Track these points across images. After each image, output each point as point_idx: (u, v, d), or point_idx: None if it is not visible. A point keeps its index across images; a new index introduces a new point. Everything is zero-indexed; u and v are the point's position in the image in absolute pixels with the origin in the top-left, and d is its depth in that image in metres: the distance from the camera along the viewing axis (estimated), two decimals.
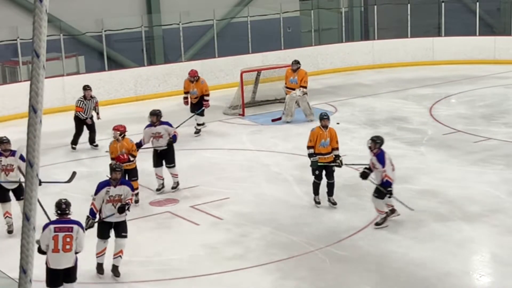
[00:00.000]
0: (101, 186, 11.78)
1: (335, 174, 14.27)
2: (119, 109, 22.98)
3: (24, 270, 3.90)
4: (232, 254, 12.25)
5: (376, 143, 13.28)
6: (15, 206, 13.41)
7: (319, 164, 14.03)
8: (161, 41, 27.05)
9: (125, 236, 11.66)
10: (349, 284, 11.27)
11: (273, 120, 20.67)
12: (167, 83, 24.97)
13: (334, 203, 14.17)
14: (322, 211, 14.05)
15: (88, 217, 11.56)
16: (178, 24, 25.95)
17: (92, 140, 18.97)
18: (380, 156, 13.19)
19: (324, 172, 14.18)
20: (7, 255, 11.37)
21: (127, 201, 11.60)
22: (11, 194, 13.52)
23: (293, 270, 11.67)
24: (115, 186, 11.67)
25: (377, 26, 29.09)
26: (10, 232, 13.41)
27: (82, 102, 18.60)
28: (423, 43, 28.41)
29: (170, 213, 14.21)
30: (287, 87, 20.83)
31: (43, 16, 3.70)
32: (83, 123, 18.76)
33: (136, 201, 14.42)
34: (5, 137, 13.76)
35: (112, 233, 11.67)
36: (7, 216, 13.46)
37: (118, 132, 14.34)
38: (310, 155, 14.10)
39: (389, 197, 13.14)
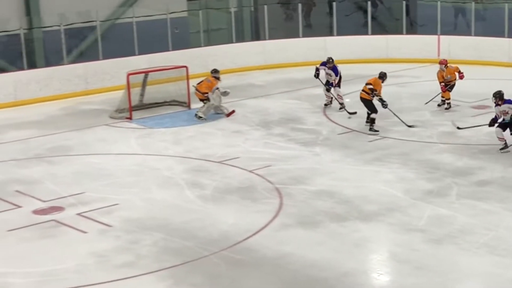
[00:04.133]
0: None
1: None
2: None
3: None
4: (122, 262, 12.06)
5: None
6: None
7: None
8: (42, 43, 26.52)
9: None
10: None
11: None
12: (48, 87, 24.50)
13: None
14: (215, 215, 14.02)
15: None
16: (59, 25, 25.51)
17: None
18: None
19: None
20: None
21: None
22: None
23: (187, 276, 11.58)
24: None
25: (268, 26, 29.30)
26: None
27: None
28: (315, 43, 28.75)
29: (56, 221, 13.88)
30: None
31: None
32: None
33: None
34: None
35: None
36: None
37: None
38: None
39: None
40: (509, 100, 17.28)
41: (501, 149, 17.20)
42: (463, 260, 11.85)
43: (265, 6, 29.55)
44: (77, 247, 12.73)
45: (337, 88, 21.47)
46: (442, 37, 28.36)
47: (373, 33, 29.53)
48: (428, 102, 21.49)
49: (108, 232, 13.31)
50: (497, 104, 17.25)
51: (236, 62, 28.00)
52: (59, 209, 14.51)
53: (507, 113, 17.17)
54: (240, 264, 11.94)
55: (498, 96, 17.19)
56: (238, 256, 12.22)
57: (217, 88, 21.34)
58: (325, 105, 21.83)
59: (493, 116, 17.43)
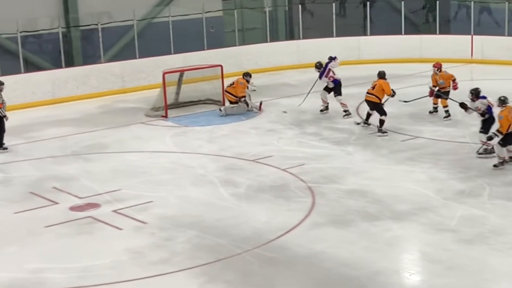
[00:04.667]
0: None
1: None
2: (36, 113, 22.65)
3: None
4: (157, 259, 12.13)
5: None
6: None
7: None
8: (79, 42, 26.75)
9: None
10: (279, 286, 11.25)
11: None
12: (86, 86, 24.70)
13: None
14: (248, 213, 14.05)
15: None
16: (97, 24, 25.70)
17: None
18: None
19: None
20: None
21: None
22: None
23: (220, 274, 11.61)
24: None
25: (302, 25, 29.30)
26: None
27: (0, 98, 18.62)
28: (349, 42, 28.70)
29: (92, 218, 13.99)
30: None
31: None
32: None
33: None
34: None
35: None
36: None
37: None
38: None
39: None
40: (484, 96, 17.17)
41: (480, 154, 17.05)
42: (495, 261, 11.75)
43: (299, 6, 29.54)
44: (113, 244, 12.82)
45: (338, 97, 21.03)
46: (475, 37, 28.17)
47: (407, 32, 29.42)
48: (409, 101, 21.00)
49: (143, 229, 13.39)
50: (472, 100, 17.29)
51: (270, 61, 28.04)
52: (95, 205, 14.62)
53: (480, 109, 17.07)
54: (272, 262, 11.95)
55: (475, 93, 17.28)
56: (271, 254, 12.22)
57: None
58: (321, 111, 21.40)
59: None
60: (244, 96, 21.50)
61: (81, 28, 26.66)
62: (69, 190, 15.51)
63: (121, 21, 26.27)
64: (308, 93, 21.63)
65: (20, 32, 24.37)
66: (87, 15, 26.42)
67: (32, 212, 14.42)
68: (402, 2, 29.38)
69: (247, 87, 21.72)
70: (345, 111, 20.92)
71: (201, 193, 15.23)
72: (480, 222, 13.25)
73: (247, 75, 21.80)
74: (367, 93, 19.43)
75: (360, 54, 28.55)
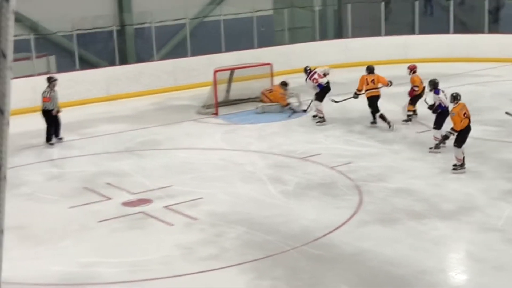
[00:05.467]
0: None
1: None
2: (90, 109, 22.91)
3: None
4: (207, 254, 12.19)
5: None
6: None
7: None
8: (133, 40, 26.98)
9: None
10: (325, 283, 11.23)
11: None
12: (139, 83, 24.89)
13: None
14: (297, 210, 14.05)
15: None
16: (150, 23, 25.89)
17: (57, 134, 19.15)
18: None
19: None
20: None
21: None
22: None
23: (269, 270, 11.63)
24: None
25: (351, 24, 29.19)
26: None
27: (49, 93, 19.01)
28: (397, 41, 28.54)
29: (144, 213, 14.12)
30: None
31: (9, 15, 3.63)
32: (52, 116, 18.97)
33: None
34: None
35: None
36: None
37: None
38: None
39: None
40: (438, 90, 17.04)
41: (430, 148, 17.18)
42: None
43: (349, 5, 29.44)
44: (164, 239, 12.91)
45: (316, 102, 20.63)
46: None
47: (455, 31, 29.16)
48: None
49: (193, 225, 13.46)
50: (431, 91, 17.40)
51: (318, 60, 27.94)
52: (147, 201, 14.73)
53: (435, 102, 17.23)
54: (319, 260, 11.93)
55: (432, 84, 17.35)
56: (318, 251, 12.21)
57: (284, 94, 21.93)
58: (314, 116, 20.89)
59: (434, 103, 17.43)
60: (288, 104, 21.58)
61: (135, 26, 26.90)
62: (122, 186, 15.67)
63: (174, 20, 26.47)
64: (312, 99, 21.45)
65: (76, 30, 24.65)
66: (140, 14, 26.65)
67: (85, 207, 14.59)
68: (451, 1, 29.13)
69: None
70: (319, 117, 20.45)
71: (251, 190, 15.27)
72: None
73: (284, 85, 21.86)
74: (371, 89, 19.49)
75: (408, 53, 28.33)
